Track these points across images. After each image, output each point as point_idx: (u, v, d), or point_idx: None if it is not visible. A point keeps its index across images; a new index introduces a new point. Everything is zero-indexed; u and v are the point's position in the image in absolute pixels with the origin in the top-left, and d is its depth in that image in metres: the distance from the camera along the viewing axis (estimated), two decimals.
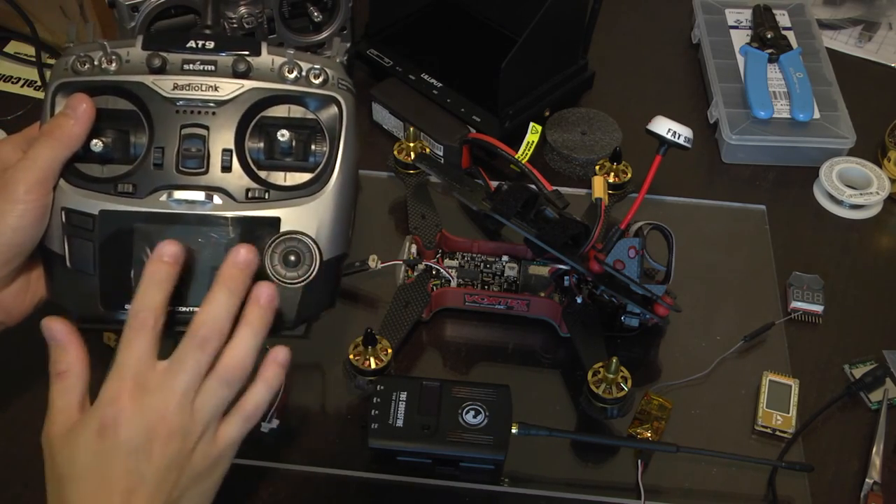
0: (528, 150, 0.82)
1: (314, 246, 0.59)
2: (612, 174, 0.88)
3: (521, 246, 0.82)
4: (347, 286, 0.82)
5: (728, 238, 0.88)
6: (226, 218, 0.59)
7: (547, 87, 0.94)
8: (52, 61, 1.03)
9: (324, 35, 0.92)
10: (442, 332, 0.80)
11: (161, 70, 0.59)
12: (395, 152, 0.89)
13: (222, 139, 0.59)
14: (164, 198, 0.58)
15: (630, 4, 1.15)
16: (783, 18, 1.07)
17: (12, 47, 1.05)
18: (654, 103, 1.01)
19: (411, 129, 0.89)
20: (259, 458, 0.71)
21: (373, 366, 0.72)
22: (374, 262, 0.79)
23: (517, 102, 0.91)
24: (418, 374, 0.77)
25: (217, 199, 0.58)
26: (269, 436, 0.72)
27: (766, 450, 0.73)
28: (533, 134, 0.83)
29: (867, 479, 0.71)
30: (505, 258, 0.82)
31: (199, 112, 0.59)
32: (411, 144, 0.88)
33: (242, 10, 0.86)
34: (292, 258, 0.59)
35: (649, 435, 0.72)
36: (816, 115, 0.96)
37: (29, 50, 1.04)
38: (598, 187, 0.78)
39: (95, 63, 0.59)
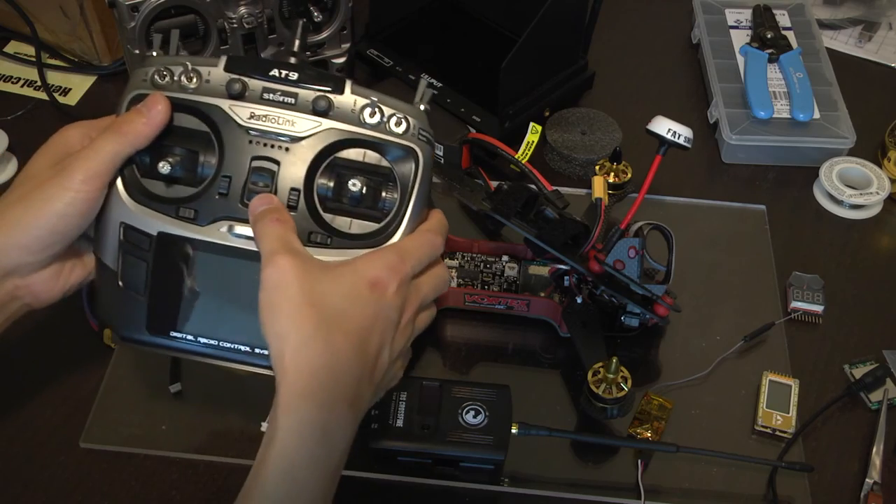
0: (528, 150, 0.82)
1: None
2: (612, 174, 0.88)
3: (521, 246, 0.82)
4: None
5: (728, 238, 0.88)
6: None
7: (547, 87, 0.94)
8: (52, 61, 1.03)
9: (324, 35, 0.92)
10: (442, 332, 0.80)
11: (240, 96, 0.57)
12: None
13: (292, 177, 0.57)
14: (224, 229, 0.57)
15: (630, 4, 1.15)
16: (783, 18, 1.06)
17: (12, 47, 1.05)
18: (654, 103, 1.01)
19: None
20: None
21: None
22: None
23: (517, 102, 0.91)
24: (418, 374, 0.77)
25: None
26: None
27: (766, 450, 0.73)
28: (533, 134, 0.82)
29: (867, 479, 0.71)
30: (505, 258, 0.82)
31: (273, 146, 0.57)
32: None
33: (242, 9, 0.86)
34: None
35: (649, 435, 0.72)
36: (816, 115, 0.96)
37: (29, 50, 1.04)
38: (598, 187, 0.78)
39: (175, 78, 0.57)
